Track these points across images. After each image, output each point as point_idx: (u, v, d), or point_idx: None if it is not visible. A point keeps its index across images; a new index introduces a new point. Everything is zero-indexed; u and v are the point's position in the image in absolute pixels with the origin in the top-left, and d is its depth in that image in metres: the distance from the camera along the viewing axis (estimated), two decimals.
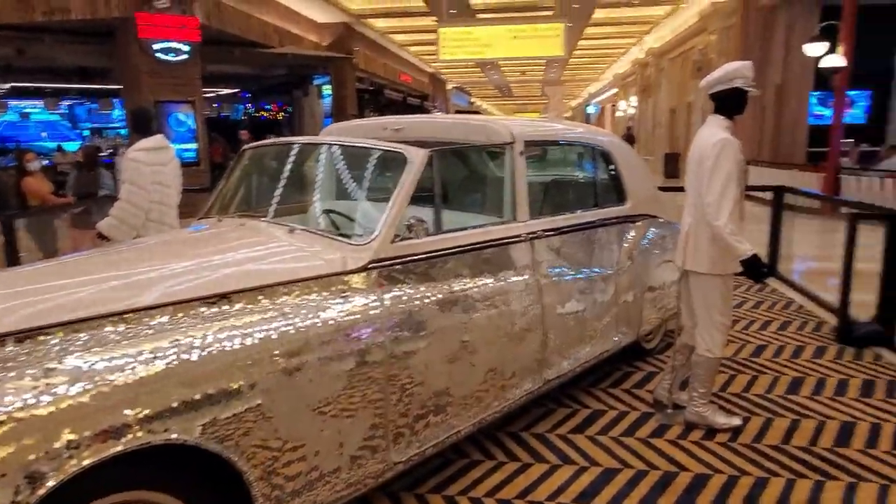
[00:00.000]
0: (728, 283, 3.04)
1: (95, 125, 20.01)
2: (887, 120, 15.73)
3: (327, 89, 17.40)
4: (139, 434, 1.62)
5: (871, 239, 4.27)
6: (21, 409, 1.48)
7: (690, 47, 16.98)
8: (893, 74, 15.43)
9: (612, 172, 3.79)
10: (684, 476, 2.71)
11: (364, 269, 2.31)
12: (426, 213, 2.57)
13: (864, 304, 4.34)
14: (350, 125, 3.65)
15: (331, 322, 2.11)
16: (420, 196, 2.57)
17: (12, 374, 1.55)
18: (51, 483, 1.46)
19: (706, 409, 3.13)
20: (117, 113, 18.82)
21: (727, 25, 13.92)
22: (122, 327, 1.80)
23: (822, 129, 12.04)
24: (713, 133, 2.94)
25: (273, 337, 1.95)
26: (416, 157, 2.53)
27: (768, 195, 6.40)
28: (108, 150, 14.76)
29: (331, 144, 3.06)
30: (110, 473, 1.62)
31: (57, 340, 1.71)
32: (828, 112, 12.72)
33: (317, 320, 2.08)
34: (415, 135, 3.16)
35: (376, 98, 21.36)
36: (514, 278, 2.86)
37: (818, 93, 13.54)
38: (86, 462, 1.51)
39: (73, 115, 20.39)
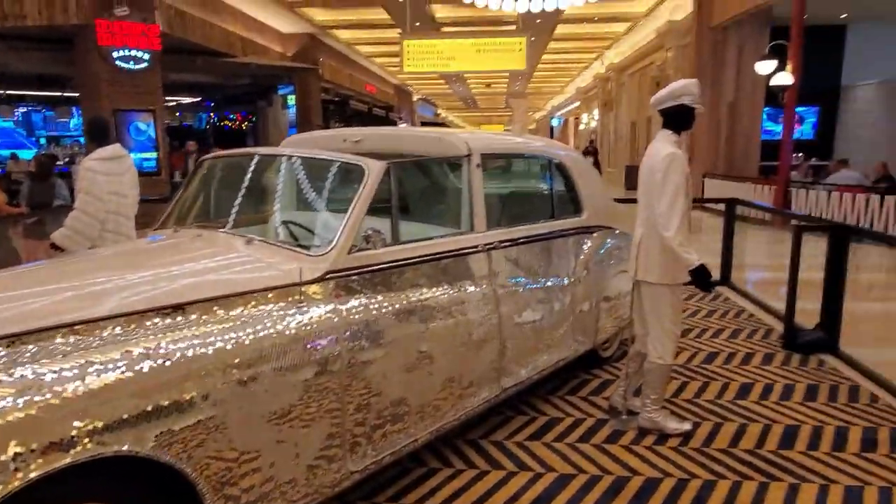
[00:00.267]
0: (677, 292, 3.15)
1: (52, 133, 19.45)
2: (835, 136, 16.44)
3: (292, 99, 17.33)
4: (89, 446, 1.61)
5: (819, 250, 4.46)
6: None
7: (649, 63, 17.45)
8: (840, 92, 16.16)
9: (569, 185, 3.88)
10: (636, 480, 2.79)
11: (321, 279, 2.34)
12: (385, 225, 2.61)
13: (812, 312, 4.53)
14: (310, 136, 3.67)
15: (286, 332, 2.13)
16: (379, 207, 2.61)
17: None
18: None
19: (658, 414, 3.23)
20: (75, 121, 18.37)
21: (683, 44, 14.38)
22: (72, 338, 1.79)
23: (774, 144, 12.51)
24: (662, 147, 3.06)
25: (228, 348, 1.96)
26: (374, 169, 2.57)
27: (723, 206, 6.62)
28: (66, 159, 14.39)
29: (290, 156, 3.08)
30: (60, 486, 1.60)
31: (5, 352, 1.69)
32: (778, 128, 13.23)
33: (272, 331, 2.09)
34: (374, 146, 3.20)
35: (342, 109, 21.35)
36: (472, 288, 2.92)
37: (769, 109, 14.07)
38: (32, 475, 1.50)
39: (28, 123, 19.80)
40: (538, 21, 14.25)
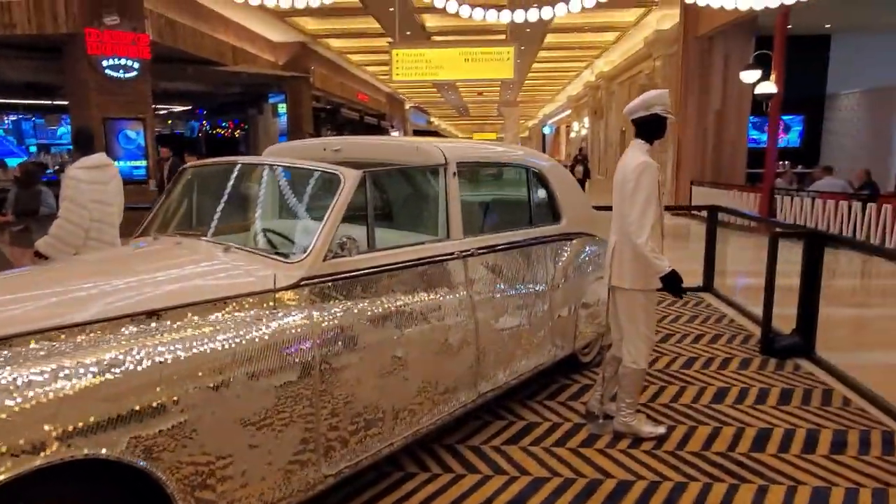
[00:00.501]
0: (651, 298, 3.21)
1: (42, 141, 19.43)
2: (821, 143, 16.63)
3: (282, 108, 17.39)
4: (60, 449, 1.64)
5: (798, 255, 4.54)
6: None
7: (638, 72, 17.63)
8: (825, 100, 16.36)
9: (548, 193, 3.95)
10: (609, 483, 2.83)
11: (296, 285, 2.38)
12: (363, 232, 2.66)
13: (792, 317, 4.60)
14: (291, 145, 3.72)
15: (260, 338, 2.17)
16: (357, 215, 2.66)
17: None
18: None
19: (633, 418, 3.28)
20: (64, 129, 18.36)
21: (670, 53, 14.55)
22: (45, 344, 1.82)
23: (760, 151, 12.65)
24: (634, 157, 3.13)
25: (200, 353, 2.00)
26: (349, 178, 2.62)
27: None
28: (56, 167, 14.37)
29: (270, 165, 3.13)
30: (31, 488, 1.64)
31: None
32: (764, 136, 13.38)
33: (246, 336, 2.14)
34: (353, 155, 3.26)
35: (333, 117, 21.42)
36: (448, 294, 2.97)
37: (755, 118, 14.23)
38: (1, 476, 1.53)
39: (18, 131, 19.77)
40: (527, 30, 14.39)
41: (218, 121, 22.70)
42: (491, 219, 3.69)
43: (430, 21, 15.02)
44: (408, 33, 14.71)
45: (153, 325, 2.03)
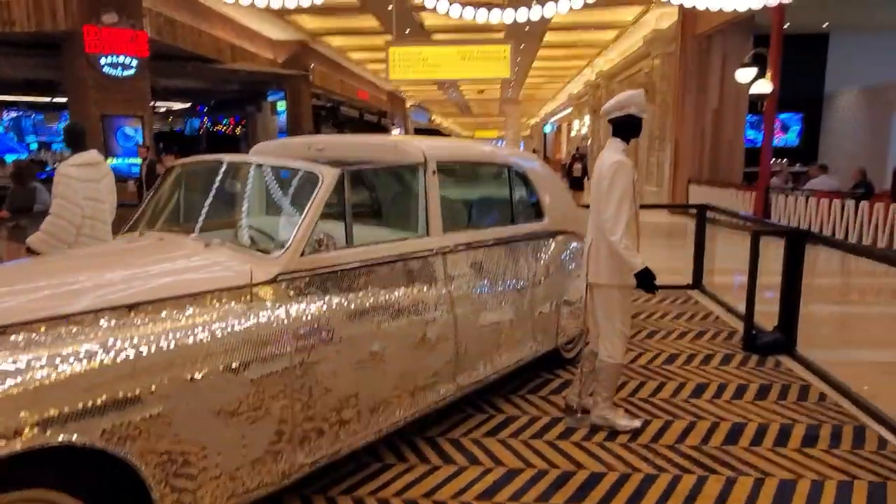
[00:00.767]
0: (626, 294, 3.27)
1: (41, 138, 19.57)
2: (820, 142, 16.65)
3: (281, 105, 17.46)
4: (36, 436, 1.72)
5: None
6: None
7: (637, 70, 17.65)
8: (823, 99, 16.37)
9: (530, 192, 4.01)
10: (581, 474, 2.90)
11: (273, 280, 2.45)
12: (342, 229, 2.73)
13: (776, 315, 4.66)
14: (276, 144, 3.79)
15: (235, 331, 2.24)
16: (339, 212, 2.73)
17: None
18: None
19: (610, 412, 3.35)
20: (61, 126, 18.49)
21: (668, 51, 14.57)
22: (23, 335, 1.89)
23: (758, 150, 12.67)
24: (610, 156, 3.19)
25: (176, 346, 2.07)
26: (328, 176, 2.69)
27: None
28: (55, 164, 14.47)
29: (254, 163, 3.19)
30: (8, 472, 1.72)
31: None
32: (761, 135, 13.41)
33: (222, 330, 2.21)
34: (336, 154, 3.32)
35: (333, 115, 21.49)
36: (426, 290, 3.03)
37: (753, 117, 14.26)
38: None
39: (19, 128, 19.91)
40: (526, 29, 14.43)
41: (219, 117, 22.82)
42: (472, 216, 3.75)
43: (430, 19, 15.06)
44: (407, 31, 14.77)
45: (132, 317, 2.10)
